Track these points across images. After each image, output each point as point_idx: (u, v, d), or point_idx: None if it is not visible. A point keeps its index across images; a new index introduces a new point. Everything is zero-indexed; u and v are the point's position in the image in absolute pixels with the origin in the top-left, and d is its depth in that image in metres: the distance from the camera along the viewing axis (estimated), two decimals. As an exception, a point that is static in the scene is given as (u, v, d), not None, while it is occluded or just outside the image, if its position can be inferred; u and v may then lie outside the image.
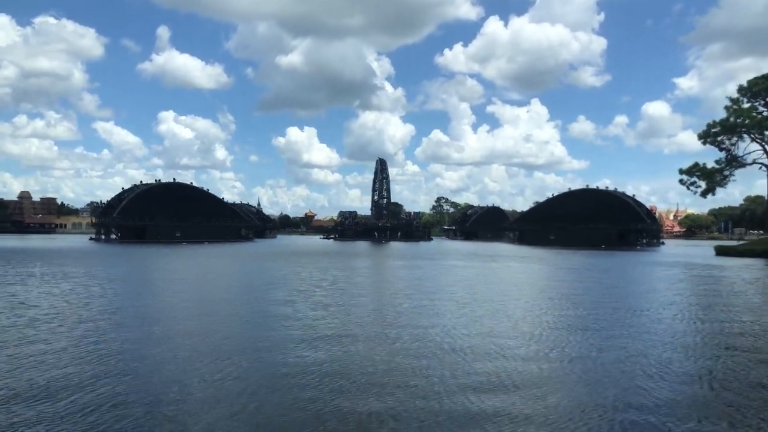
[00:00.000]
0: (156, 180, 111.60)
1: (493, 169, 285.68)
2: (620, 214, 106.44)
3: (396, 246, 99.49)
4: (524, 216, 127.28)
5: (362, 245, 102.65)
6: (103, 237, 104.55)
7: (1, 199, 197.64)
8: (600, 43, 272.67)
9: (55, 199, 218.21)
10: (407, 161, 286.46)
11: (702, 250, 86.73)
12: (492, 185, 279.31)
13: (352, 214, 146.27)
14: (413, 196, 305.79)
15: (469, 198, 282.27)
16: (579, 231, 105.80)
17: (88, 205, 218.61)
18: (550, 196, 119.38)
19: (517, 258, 59.84)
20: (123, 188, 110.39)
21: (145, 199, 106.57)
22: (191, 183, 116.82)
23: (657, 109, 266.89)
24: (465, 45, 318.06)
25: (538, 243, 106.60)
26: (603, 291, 27.76)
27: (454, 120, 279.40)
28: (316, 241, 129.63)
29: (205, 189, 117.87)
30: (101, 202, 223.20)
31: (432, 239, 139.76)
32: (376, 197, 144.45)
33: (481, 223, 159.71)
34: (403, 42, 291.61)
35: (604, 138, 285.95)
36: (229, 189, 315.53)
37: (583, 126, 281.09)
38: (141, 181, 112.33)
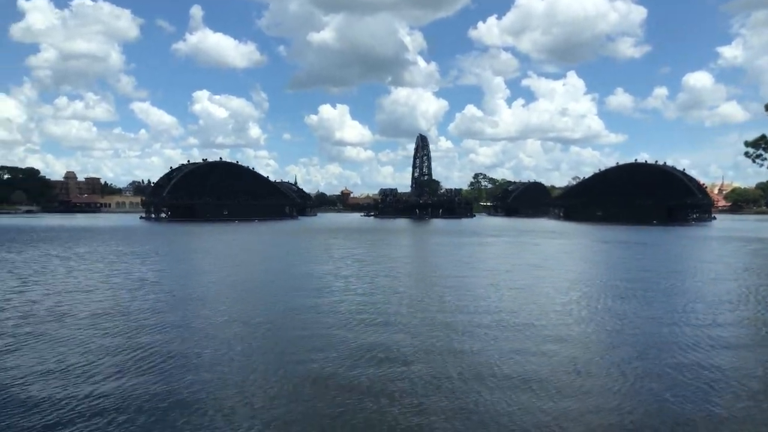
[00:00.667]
0: (203, 159, 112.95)
1: (528, 144, 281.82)
2: (670, 189, 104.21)
3: (442, 223, 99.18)
4: (569, 192, 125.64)
5: (407, 223, 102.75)
6: (153, 216, 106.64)
7: (48, 179, 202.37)
8: (639, 13, 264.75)
9: (99, 179, 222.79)
10: (440, 137, 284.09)
11: (761, 224, 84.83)
12: (527, 160, 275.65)
13: (393, 191, 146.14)
14: (447, 172, 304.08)
15: (504, 174, 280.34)
16: (627, 206, 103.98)
17: (130, 184, 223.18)
18: (597, 171, 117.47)
19: (578, 234, 59.31)
20: (171, 167, 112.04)
21: (193, 178, 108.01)
22: (237, 162, 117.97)
23: (699, 79, 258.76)
24: (499, 17, 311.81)
25: (584, 219, 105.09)
26: (713, 268, 27.37)
27: (488, 94, 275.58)
28: (357, 218, 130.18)
29: (250, 168, 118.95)
30: (143, 181, 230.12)
31: (474, 216, 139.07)
32: (416, 174, 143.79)
33: (522, 199, 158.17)
34: (436, 16, 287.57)
35: (642, 111, 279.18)
36: (264, 167, 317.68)
37: (620, 99, 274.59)
38: (189, 161, 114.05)
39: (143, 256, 31.77)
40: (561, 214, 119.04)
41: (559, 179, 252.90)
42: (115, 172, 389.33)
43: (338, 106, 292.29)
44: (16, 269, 24.76)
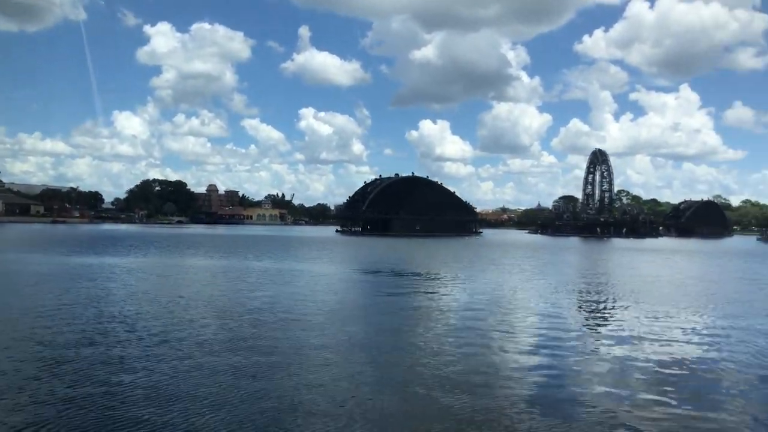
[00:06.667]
0: (395, 174, 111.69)
1: (636, 160, 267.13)
2: None
3: (647, 244, 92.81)
4: None
5: (604, 243, 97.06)
6: (351, 229, 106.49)
7: (193, 191, 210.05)
8: (762, 21, 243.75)
9: (237, 191, 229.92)
10: (543, 152, 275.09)
11: None
12: (636, 177, 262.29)
13: (567, 208, 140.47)
14: (550, 188, 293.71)
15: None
16: None
17: (267, 197, 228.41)
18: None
19: None
20: (365, 182, 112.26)
21: (387, 193, 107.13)
22: (427, 177, 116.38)
23: None
24: (606, 30, 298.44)
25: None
26: None
27: (595, 109, 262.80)
28: (527, 237, 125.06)
29: (439, 183, 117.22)
30: (277, 194, 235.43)
31: (661, 236, 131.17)
32: (588, 190, 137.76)
33: (697, 219, 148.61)
34: (540, 30, 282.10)
35: (765, 125, 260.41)
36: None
37: (739, 112, 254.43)
38: (381, 176, 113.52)
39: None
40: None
41: (670, 197, 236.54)
42: (226, 185, 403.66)
43: (439, 121, 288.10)
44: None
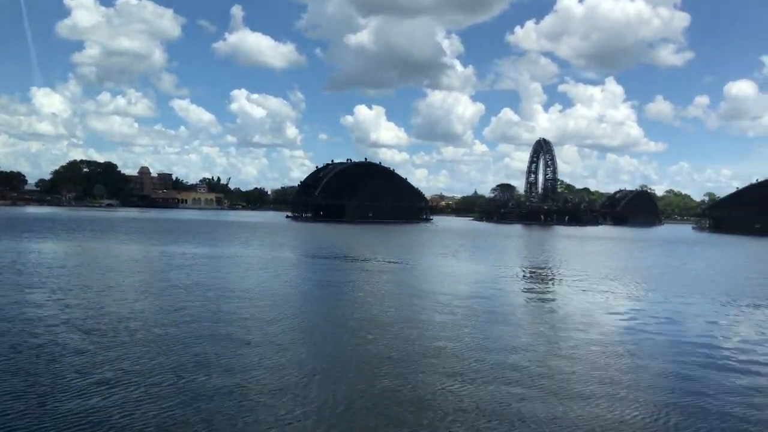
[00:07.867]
0: (347, 159, 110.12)
1: (564, 150, 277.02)
2: None
3: (594, 232, 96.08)
4: (721, 203, 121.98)
5: (557, 229, 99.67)
6: (302, 215, 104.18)
7: (125, 174, 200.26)
8: (682, 19, 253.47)
9: (170, 174, 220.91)
10: (475, 141, 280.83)
11: None
12: (563, 167, 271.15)
13: (512, 195, 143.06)
14: (481, 176, 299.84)
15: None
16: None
17: (201, 180, 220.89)
18: (754, 182, 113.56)
19: None
20: (317, 167, 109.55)
21: (340, 179, 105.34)
22: (379, 163, 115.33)
23: (742, 89, 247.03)
24: (537, 22, 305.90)
25: (739, 232, 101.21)
26: None
27: (525, 99, 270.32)
28: (474, 224, 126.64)
29: (391, 169, 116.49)
30: (213, 178, 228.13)
31: (600, 224, 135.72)
32: (531, 178, 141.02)
33: (631, 208, 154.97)
34: (474, 20, 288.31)
35: (683, 119, 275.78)
36: (299, 167, 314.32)
37: (660, 107, 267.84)
38: (332, 160, 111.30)
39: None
40: (707, 225, 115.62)
41: (596, 186, 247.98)
42: (155, 168, 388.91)
43: (374, 107, 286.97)
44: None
